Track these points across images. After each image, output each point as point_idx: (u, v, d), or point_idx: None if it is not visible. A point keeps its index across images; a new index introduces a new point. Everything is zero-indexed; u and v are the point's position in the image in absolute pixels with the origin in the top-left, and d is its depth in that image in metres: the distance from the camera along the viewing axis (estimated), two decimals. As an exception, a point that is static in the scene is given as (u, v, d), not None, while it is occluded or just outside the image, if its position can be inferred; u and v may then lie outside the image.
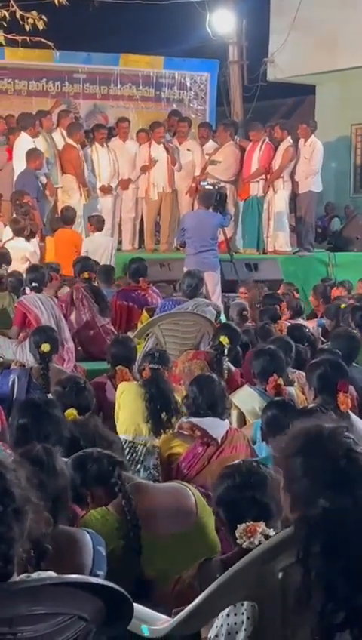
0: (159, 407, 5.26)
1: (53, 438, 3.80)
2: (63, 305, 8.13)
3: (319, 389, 4.97)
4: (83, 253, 10.46)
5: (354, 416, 4.90)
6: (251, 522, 2.83)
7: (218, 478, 3.11)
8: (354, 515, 2.10)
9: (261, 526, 2.82)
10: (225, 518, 2.98)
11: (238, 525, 2.84)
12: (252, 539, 2.77)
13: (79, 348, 8.02)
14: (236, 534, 2.84)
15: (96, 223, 11.34)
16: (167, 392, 5.33)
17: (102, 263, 10.32)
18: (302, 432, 2.24)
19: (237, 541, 2.84)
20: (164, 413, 5.27)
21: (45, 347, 5.98)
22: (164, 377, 5.45)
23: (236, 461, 3.27)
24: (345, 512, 2.10)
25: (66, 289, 8.83)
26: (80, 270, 8.70)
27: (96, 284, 8.93)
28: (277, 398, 5.15)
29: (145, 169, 13.16)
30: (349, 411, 4.83)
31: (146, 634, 2.44)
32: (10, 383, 5.88)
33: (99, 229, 11.33)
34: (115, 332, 8.22)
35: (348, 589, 2.07)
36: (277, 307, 8.25)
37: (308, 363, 5.59)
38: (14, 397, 5.80)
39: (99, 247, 11.03)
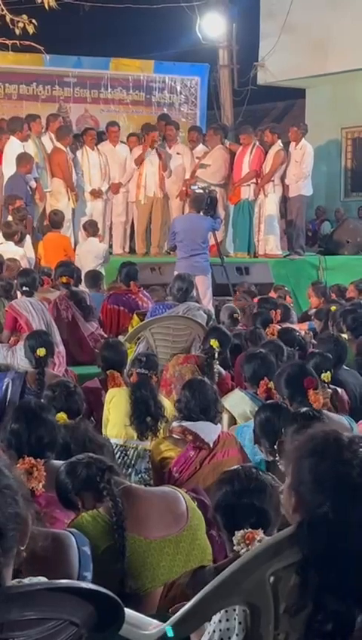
0: (144, 410, 5.28)
1: (46, 443, 3.82)
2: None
3: (290, 396, 4.92)
4: (75, 258, 10.44)
5: (327, 413, 4.86)
6: (249, 530, 2.81)
7: (216, 482, 3.07)
8: (355, 528, 2.07)
9: (259, 534, 2.79)
10: (222, 523, 2.95)
11: (236, 532, 2.83)
12: (250, 546, 2.74)
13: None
14: (234, 541, 2.82)
15: (90, 228, 11.34)
16: (152, 397, 5.34)
17: (96, 268, 10.34)
18: (320, 435, 2.21)
19: (235, 548, 2.82)
20: (150, 417, 5.29)
21: (41, 351, 5.99)
22: (151, 382, 5.47)
23: (235, 466, 3.23)
24: (347, 523, 2.06)
25: (56, 293, 8.82)
26: (59, 274, 8.69)
27: (82, 288, 8.92)
28: (270, 401, 5.14)
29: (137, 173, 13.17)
30: (322, 410, 4.79)
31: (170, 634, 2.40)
32: (4, 386, 5.88)
33: (94, 233, 11.32)
34: (105, 337, 8.19)
35: (339, 600, 2.04)
36: (271, 311, 8.24)
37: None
38: (7, 400, 5.80)
39: (92, 251, 11.03)
